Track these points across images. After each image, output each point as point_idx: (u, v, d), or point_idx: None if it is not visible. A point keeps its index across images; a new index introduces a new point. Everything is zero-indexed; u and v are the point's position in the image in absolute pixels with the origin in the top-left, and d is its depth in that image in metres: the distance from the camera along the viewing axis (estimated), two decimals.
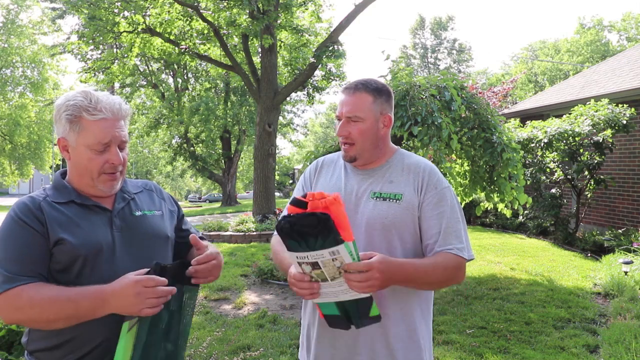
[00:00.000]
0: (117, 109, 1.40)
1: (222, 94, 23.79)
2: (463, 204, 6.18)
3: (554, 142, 8.07)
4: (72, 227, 1.35)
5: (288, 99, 21.33)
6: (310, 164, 2.04)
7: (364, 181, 1.65)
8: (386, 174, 1.64)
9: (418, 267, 1.47)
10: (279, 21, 11.67)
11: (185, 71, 23.49)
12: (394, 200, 1.58)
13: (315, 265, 1.31)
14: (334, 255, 1.28)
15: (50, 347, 1.35)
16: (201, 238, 1.69)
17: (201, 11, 11.33)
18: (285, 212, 1.40)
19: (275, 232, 1.70)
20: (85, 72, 13.34)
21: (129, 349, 1.29)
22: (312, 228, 1.26)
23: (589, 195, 8.71)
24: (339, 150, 1.76)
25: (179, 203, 1.73)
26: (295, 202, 1.34)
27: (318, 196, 1.31)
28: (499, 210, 6.19)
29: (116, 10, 11.85)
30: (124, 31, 12.15)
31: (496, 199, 5.85)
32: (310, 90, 14.75)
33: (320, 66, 12.78)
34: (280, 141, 33.94)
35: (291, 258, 1.35)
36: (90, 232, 1.37)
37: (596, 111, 7.96)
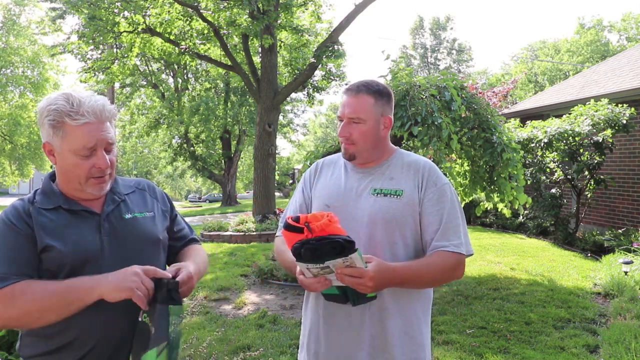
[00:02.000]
0: (101, 110, 1.33)
1: (222, 94, 23.79)
2: (463, 204, 6.18)
3: (554, 142, 8.07)
4: (59, 234, 1.33)
5: (288, 99, 21.37)
6: (310, 164, 2.05)
7: (364, 179, 1.66)
8: (386, 171, 1.66)
9: (413, 271, 1.51)
10: (279, 21, 11.68)
11: (185, 71, 23.49)
12: (395, 196, 1.59)
13: (324, 268, 1.35)
14: (346, 261, 1.33)
15: (45, 352, 1.33)
16: (194, 239, 1.67)
17: (201, 11, 11.34)
18: (279, 232, 1.40)
19: (278, 233, 1.71)
20: (85, 72, 13.33)
21: None
22: (335, 251, 1.29)
23: (589, 195, 8.71)
24: (339, 150, 1.76)
25: (179, 203, 1.70)
26: (291, 228, 1.35)
27: (312, 219, 1.33)
28: (499, 210, 6.19)
29: (116, 10, 11.85)
30: (124, 31, 12.15)
31: (496, 199, 5.85)
32: (310, 91, 14.75)
33: (320, 66, 12.79)
34: (280, 141, 33.95)
35: (300, 266, 1.37)
36: (78, 238, 1.34)
37: (596, 111, 7.96)
